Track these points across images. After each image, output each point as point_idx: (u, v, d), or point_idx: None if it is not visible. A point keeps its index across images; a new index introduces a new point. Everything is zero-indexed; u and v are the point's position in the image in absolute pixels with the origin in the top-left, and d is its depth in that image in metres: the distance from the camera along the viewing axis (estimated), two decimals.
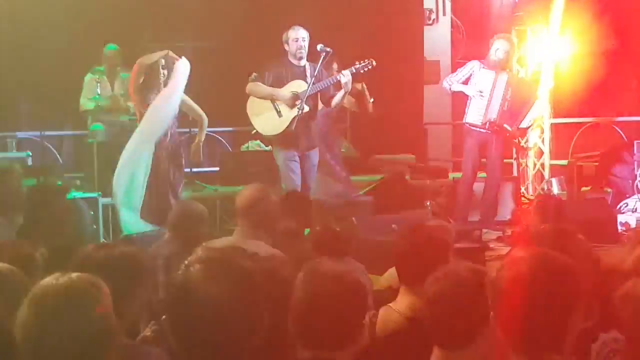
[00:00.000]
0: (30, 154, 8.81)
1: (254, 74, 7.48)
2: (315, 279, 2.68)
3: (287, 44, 7.46)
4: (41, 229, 5.02)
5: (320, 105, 7.62)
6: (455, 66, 9.53)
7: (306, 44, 7.44)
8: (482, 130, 8.29)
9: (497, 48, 8.29)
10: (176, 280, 2.33)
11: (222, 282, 2.26)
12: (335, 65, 7.98)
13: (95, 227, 7.90)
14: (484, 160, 8.49)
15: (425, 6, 11.42)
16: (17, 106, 10.28)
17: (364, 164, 10.38)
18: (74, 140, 9.79)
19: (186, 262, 2.37)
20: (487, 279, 2.78)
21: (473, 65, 8.39)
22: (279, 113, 7.40)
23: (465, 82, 8.35)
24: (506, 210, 8.84)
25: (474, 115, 8.31)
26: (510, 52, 8.42)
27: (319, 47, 7.38)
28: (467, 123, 8.36)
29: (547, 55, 9.55)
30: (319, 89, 7.37)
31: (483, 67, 8.32)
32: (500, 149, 8.48)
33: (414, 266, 3.39)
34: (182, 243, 4.99)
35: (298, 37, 7.42)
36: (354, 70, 7.36)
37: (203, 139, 7.60)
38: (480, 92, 8.22)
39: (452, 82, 8.41)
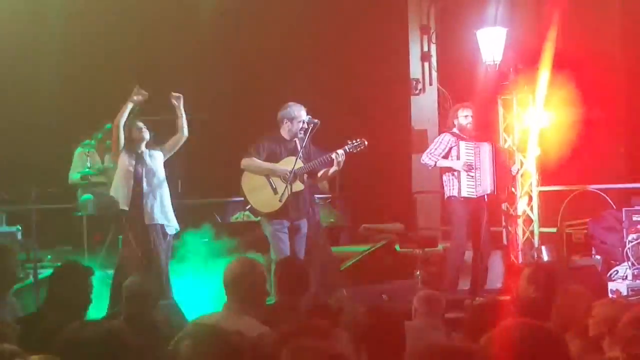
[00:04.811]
0: (20, 228, 8.77)
1: (252, 146, 7.51)
2: (298, 356, 2.69)
3: (290, 122, 7.52)
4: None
5: None
6: None
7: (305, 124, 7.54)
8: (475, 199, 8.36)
9: (466, 115, 8.41)
10: (167, 354, 2.35)
11: (210, 356, 2.27)
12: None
13: None
14: None
15: (412, 76, 11.58)
16: (6, 179, 10.28)
17: (353, 233, 10.38)
18: (64, 212, 9.76)
19: (177, 337, 2.38)
20: None
21: (449, 139, 8.46)
22: (274, 190, 7.43)
23: (446, 156, 8.42)
24: (497, 278, 8.83)
25: (466, 189, 8.34)
26: (475, 117, 8.52)
27: (307, 118, 7.46)
28: (462, 197, 8.38)
29: (533, 124, 9.66)
30: (315, 166, 7.45)
31: (460, 139, 8.39)
32: (488, 217, 8.51)
33: (374, 346, 3.60)
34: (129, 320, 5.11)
35: (303, 119, 7.50)
36: (348, 150, 7.43)
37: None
38: (469, 166, 8.29)
39: (437, 158, 8.44)
